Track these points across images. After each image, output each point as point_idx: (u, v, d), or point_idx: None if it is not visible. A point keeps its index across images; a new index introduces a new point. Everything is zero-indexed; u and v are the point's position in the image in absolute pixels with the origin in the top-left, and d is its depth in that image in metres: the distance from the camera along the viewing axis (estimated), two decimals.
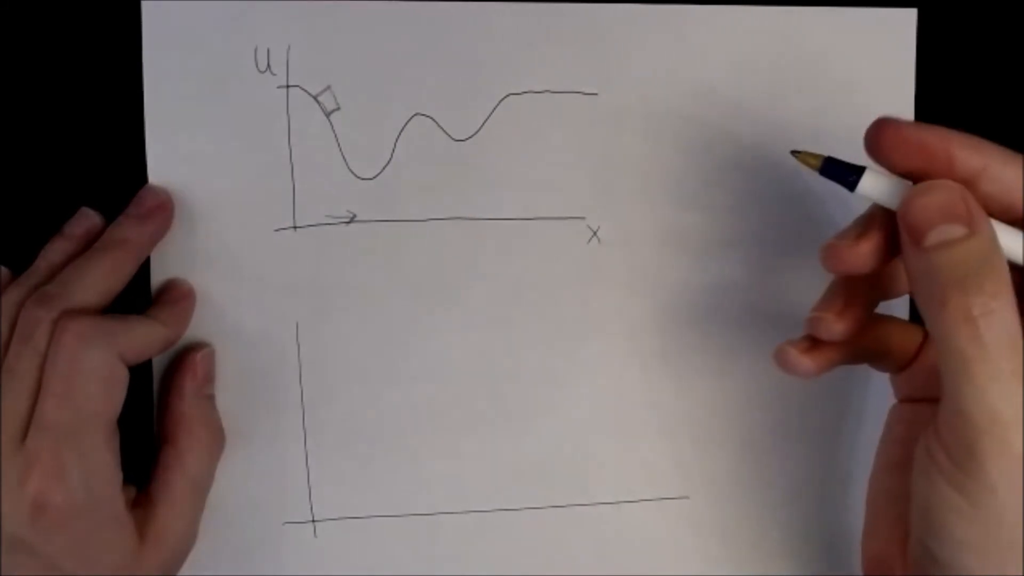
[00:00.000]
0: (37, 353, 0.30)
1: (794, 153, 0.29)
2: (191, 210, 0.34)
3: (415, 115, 0.35)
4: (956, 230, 0.25)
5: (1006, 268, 0.25)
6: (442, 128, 0.35)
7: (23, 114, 0.35)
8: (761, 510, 0.37)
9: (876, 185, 0.28)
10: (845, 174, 0.28)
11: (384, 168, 0.35)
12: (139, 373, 0.33)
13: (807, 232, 0.37)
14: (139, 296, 0.34)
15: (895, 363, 0.32)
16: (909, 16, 0.37)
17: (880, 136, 0.27)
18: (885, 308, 0.31)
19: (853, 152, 0.37)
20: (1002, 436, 0.24)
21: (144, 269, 0.34)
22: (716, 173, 0.36)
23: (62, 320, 0.30)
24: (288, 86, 0.35)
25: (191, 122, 0.34)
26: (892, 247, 0.27)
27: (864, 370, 0.37)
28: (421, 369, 0.36)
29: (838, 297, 0.29)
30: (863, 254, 0.27)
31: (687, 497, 0.37)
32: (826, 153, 0.29)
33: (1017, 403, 0.24)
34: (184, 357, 0.34)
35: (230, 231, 0.35)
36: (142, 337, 0.32)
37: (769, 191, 0.37)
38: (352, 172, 0.35)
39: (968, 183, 0.26)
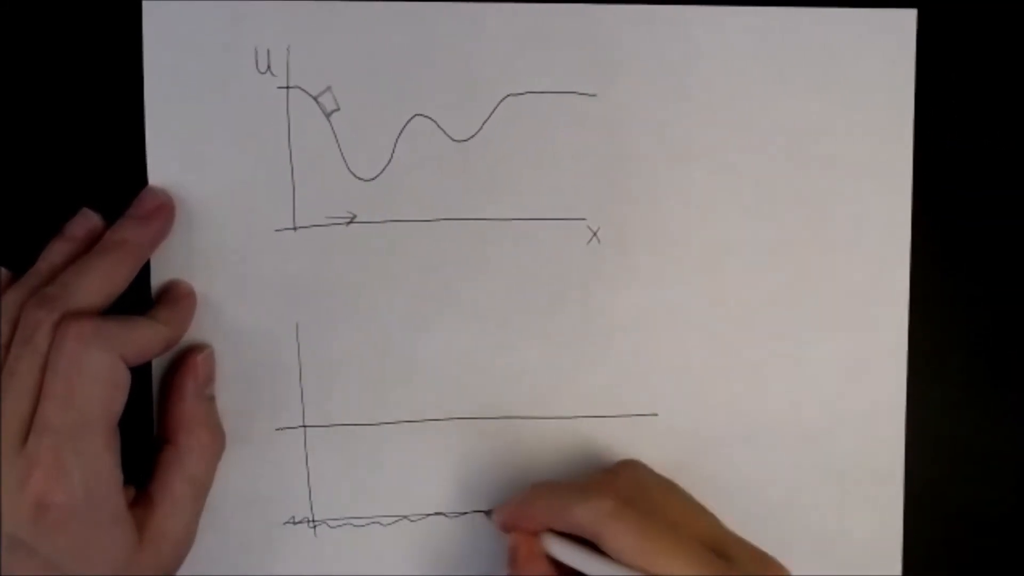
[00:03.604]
0: (38, 355, 0.30)
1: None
2: (191, 211, 0.34)
3: (415, 116, 0.35)
4: None
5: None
6: (442, 129, 0.35)
7: (23, 114, 0.35)
8: (761, 510, 0.37)
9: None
10: None
11: (384, 169, 0.35)
12: (139, 374, 0.33)
13: (808, 232, 0.37)
14: (140, 297, 0.34)
15: None
16: (909, 16, 0.37)
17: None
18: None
19: (851, 153, 0.37)
20: None
21: (144, 270, 0.34)
22: (716, 174, 0.36)
23: (63, 322, 0.30)
24: (288, 87, 0.35)
25: (191, 122, 0.34)
26: None
27: (863, 370, 0.37)
28: (421, 369, 0.36)
29: None
30: None
31: None
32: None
33: None
34: (185, 358, 0.34)
35: (230, 232, 0.35)
36: (143, 338, 0.32)
37: (770, 191, 0.37)
38: (352, 173, 0.35)
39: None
